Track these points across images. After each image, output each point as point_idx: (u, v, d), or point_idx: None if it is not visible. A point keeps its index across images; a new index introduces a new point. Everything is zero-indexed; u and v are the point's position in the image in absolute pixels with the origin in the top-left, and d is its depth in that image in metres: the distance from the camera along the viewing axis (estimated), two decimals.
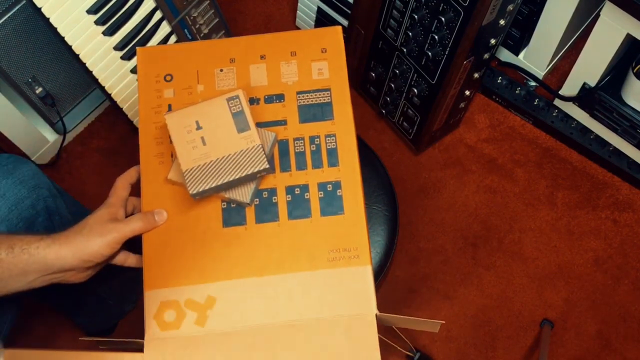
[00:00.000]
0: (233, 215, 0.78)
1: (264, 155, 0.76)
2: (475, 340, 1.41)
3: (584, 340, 1.40)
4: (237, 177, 0.75)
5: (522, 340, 1.41)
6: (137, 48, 0.86)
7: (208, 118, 0.78)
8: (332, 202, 0.78)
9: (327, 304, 0.74)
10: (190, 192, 0.74)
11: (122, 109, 1.33)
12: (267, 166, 0.76)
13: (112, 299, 1.28)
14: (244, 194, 0.78)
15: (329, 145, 0.81)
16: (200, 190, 0.74)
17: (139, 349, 0.72)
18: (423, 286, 1.44)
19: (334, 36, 0.86)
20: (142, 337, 0.73)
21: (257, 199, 0.79)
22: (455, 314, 1.42)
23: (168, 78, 0.84)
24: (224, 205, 0.78)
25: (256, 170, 0.75)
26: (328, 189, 0.79)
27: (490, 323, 1.42)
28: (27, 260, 0.71)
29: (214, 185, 0.74)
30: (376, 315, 0.73)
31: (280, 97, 0.83)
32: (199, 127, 0.77)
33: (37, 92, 1.34)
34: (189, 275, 0.75)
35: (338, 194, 0.79)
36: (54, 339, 1.40)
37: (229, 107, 0.78)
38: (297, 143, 0.81)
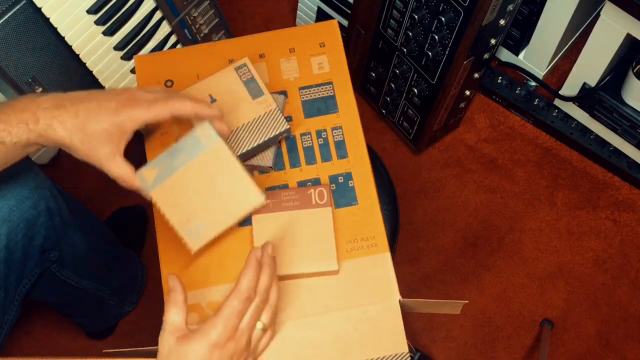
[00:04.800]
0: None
1: (283, 118, 0.77)
2: (475, 340, 1.41)
3: (584, 340, 1.40)
4: (260, 142, 0.76)
5: (522, 340, 1.41)
6: (135, 56, 0.86)
7: (220, 90, 0.78)
8: (345, 194, 0.79)
9: (351, 294, 0.74)
10: None
11: None
12: (288, 127, 0.77)
13: (112, 299, 1.28)
14: (266, 159, 0.79)
15: (336, 138, 0.82)
16: None
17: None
18: (423, 286, 1.45)
19: (331, 30, 0.87)
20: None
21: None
22: (455, 314, 1.42)
23: (169, 84, 0.84)
24: None
25: (278, 132, 0.77)
26: (339, 180, 0.80)
27: (490, 323, 1.42)
28: (23, 150, 0.69)
29: (239, 153, 0.76)
30: (399, 301, 0.74)
31: (283, 94, 0.83)
32: (213, 100, 0.78)
33: (37, 92, 1.34)
34: (209, 277, 0.75)
35: (350, 185, 0.79)
36: (54, 339, 1.40)
37: (239, 76, 0.79)
38: (304, 138, 0.82)
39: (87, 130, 0.65)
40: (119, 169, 0.67)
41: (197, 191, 0.69)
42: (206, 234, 0.69)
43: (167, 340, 0.63)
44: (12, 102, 0.67)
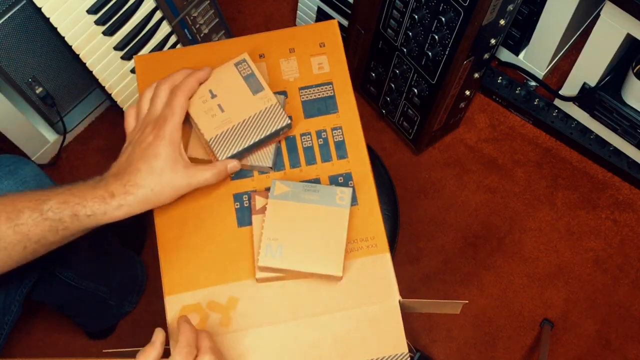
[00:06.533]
0: (247, 214, 0.78)
1: (284, 112, 0.77)
2: (475, 340, 1.41)
3: (584, 340, 1.40)
4: (262, 137, 0.77)
5: (522, 340, 1.41)
6: (135, 56, 0.86)
7: (220, 85, 0.78)
8: None
9: (351, 294, 0.74)
10: (220, 158, 0.76)
11: (122, 109, 1.33)
12: (289, 122, 0.77)
13: (112, 299, 1.28)
14: (265, 159, 0.79)
15: (336, 138, 0.81)
16: (229, 155, 0.76)
17: (165, 354, 0.72)
18: (423, 286, 1.45)
19: (331, 30, 0.87)
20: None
21: None
22: (455, 314, 1.42)
23: None
24: (237, 205, 0.78)
25: (279, 127, 0.77)
26: (339, 181, 0.79)
27: (490, 323, 1.42)
28: (97, 223, 0.71)
29: (241, 148, 0.76)
30: (399, 301, 0.74)
31: (283, 95, 0.83)
32: (213, 96, 0.78)
33: (37, 92, 1.34)
34: (209, 277, 0.75)
35: (350, 185, 0.79)
36: (54, 339, 1.40)
37: (239, 72, 0.79)
38: (304, 138, 0.82)
39: (156, 170, 0.69)
40: (203, 175, 0.72)
41: (301, 227, 0.73)
42: (279, 261, 0.72)
43: None
44: (81, 182, 0.72)
